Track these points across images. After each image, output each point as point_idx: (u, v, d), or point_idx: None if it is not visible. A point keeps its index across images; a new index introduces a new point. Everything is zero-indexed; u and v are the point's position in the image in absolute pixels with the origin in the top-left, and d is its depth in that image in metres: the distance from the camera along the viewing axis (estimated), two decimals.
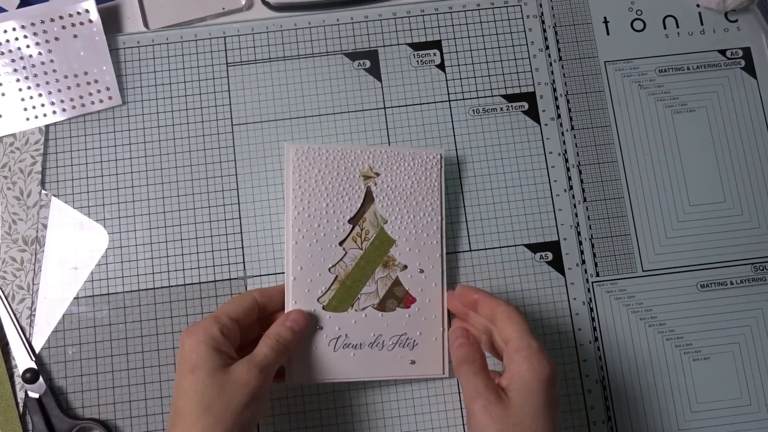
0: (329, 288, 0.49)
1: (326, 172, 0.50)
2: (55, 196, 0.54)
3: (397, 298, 0.50)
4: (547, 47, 0.58)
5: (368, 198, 0.50)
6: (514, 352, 0.43)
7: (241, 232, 0.54)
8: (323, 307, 0.49)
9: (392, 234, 0.50)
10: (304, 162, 0.50)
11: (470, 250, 0.54)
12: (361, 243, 0.50)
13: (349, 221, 0.50)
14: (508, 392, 0.42)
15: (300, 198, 0.49)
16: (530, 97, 0.57)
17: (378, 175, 0.50)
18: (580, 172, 0.56)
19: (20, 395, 0.51)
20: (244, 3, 0.59)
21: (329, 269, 0.49)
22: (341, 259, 0.49)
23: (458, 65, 0.57)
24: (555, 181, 0.56)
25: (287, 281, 0.48)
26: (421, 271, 0.50)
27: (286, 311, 0.48)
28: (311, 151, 0.50)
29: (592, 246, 0.55)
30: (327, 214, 0.49)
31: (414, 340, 0.50)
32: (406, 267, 0.50)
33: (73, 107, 0.55)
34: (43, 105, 0.55)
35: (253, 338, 0.47)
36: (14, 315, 0.52)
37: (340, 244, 0.49)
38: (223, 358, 0.43)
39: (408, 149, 0.52)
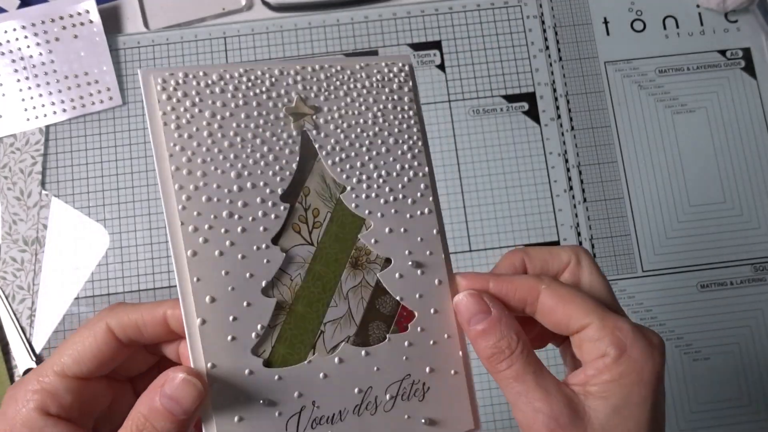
0: (269, 325, 0.28)
1: (226, 114, 0.29)
2: (55, 196, 0.54)
3: (383, 317, 0.30)
4: (547, 48, 0.58)
5: (308, 151, 0.30)
6: (591, 344, 0.28)
7: None
8: (265, 363, 0.28)
9: (358, 209, 0.30)
10: (183, 102, 0.28)
11: (470, 251, 0.54)
12: (310, 233, 0.30)
13: (283, 197, 0.29)
14: (587, 400, 0.27)
15: (187, 168, 0.28)
16: (530, 98, 0.57)
17: (317, 110, 0.31)
18: (580, 172, 0.56)
19: None
20: (244, 3, 0.59)
21: (262, 290, 0.28)
22: (281, 268, 0.29)
23: (458, 66, 0.57)
24: (555, 181, 0.56)
25: (188, 330, 0.27)
26: (415, 263, 0.31)
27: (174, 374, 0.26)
28: (192, 81, 0.29)
29: (592, 246, 0.55)
30: (243, 192, 0.28)
31: (424, 384, 0.30)
32: (389, 261, 0.31)
33: (74, 107, 0.55)
34: (43, 105, 0.55)
35: (147, 369, 0.30)
36: (14, 315, 0.52)
37: (275, 241, 0.29)
38: None
39: (355, 60, 0.32)
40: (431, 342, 0.30)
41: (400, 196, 0.31)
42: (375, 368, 0.29)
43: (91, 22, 0.56)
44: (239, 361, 0.27)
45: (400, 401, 0.30)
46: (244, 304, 0.27)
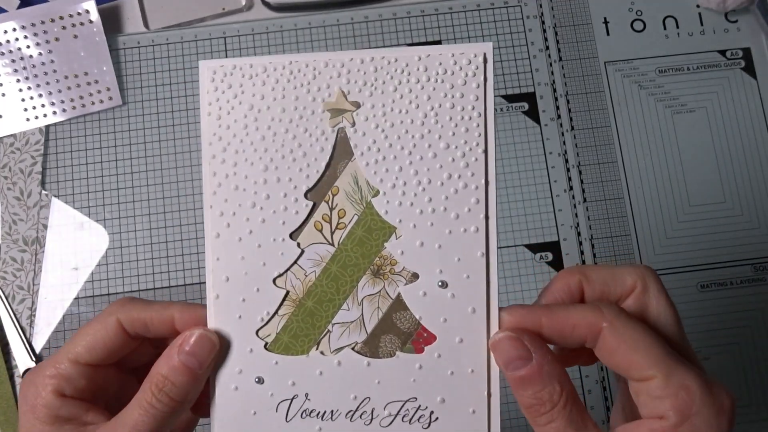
0: (275, 313, 0.29)
1: (263, 107, 0.29)
2: (55, 196, 0.54)
3: (399, 332, 0.29)
4: (547, 48, 0.58)
5: (341, 151, 0.29)
6: (651, 400, 0.25)
7: None
8: (266, 347, 0.29)
9: (389, 216, 0.29)
10: (227, 93, 0.29)
11: None
12: (332, 233, 0.29)
13: (307, 195, 0.29)
14: None
15: (222, 158, 0.30)
16: (530, 98, 0.57)
17: (358, 106, 0.29)
18: (580, 172, 0.56)
19: None
20: (244, 3, 0.59)
21: (274, 281, 0.29)
22: (295, 262, 0.29)
23: None
24: (555, 181, 0.56)
25: (208, 301, 0.29)
26: (444, 285, 0.28)
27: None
28: (239, 72, 0.29)
29: (592, 246, 0.55)
30: (267, 185, 0.29)
31: (431, 413, 0.28)
32: (416, 277, 0.29)
33: (74, 107, 0.55)
34: (43, 105, 0.55)
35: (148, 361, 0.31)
36: (14, 315, 0.52)
37: (292, 236, 0.29)
38: (67, 430, 0.28)
39: (415, 51, 0.29)
40: (449, 372, 0.28)
41: (442, 208, 0.28)
42: (376, 381, 0.28)
43: (91, 22, 0.56)
44: (242, 338, 0.29)
45: (401, 421, 0.28)
46: (255, 289, 0.29)
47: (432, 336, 0.28)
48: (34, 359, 0.51)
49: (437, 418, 0.28)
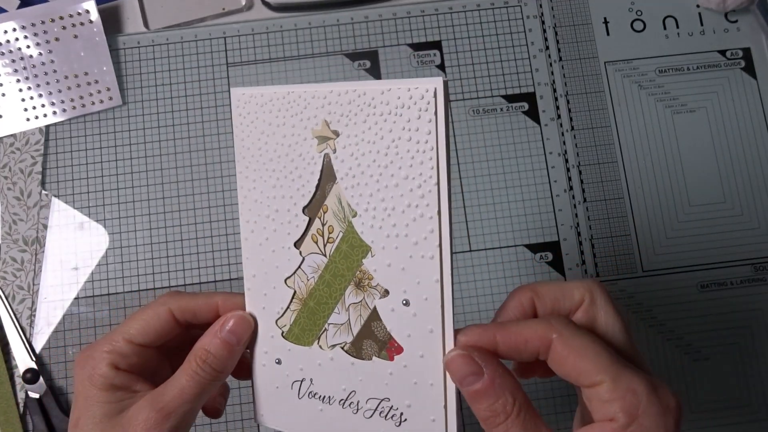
0: (288, 308, 0.33)
1: (270, 132, 0.32)
2: (55, 196, 0.54)
3: (376, 339, 0.31)
4: (547, 48, 0.58)
5: (327, 174, 0.31)
6: (601, 404, 0.27)
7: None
8: (282, 335, 0.34)
9: (364, 235, 0.31)
10: (247, 118, 0.33)
11: (470, 251, 0.54)
12: (324, 246, 0.32)
13: (305, 211, 0.32)
14: None
15: (245, 174, 0.33)
16: (530, 98, 0.57)
17: (337, 134, 0.31)
18: (580, 172, 0.56)
19: (20, 395, 0.51)
20: (244, 3, 0.59)
21: (285, 281, 0.33)
22: (299, 267, 0.33)
23: (458, 66, 0.57)
24: (555, 181, 0.56)
25: (245, 291, 0.35)
26: (406, 303, 0.30)
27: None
28: (253, 100, 0.33)
29: (592, 246, 0.55)
30: (276, 200, 0.33)
31: (401, 414, 0.31)
32: (387, 293, 0.31)
33: (74, 107, 0.55)
34: (43, 105, 0.55)
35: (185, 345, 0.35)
36: (15, 315, 0.52)
37: (296, 245, 0.33)
38: (119, 396, 0.32)
39: (380, 84, 0.30)
40: (414, 382, 0.30)
41: (404, 233, 0.30)
42: (359, 378, 0.32)
43: (91, 22, 0.56)
44: (266, 325, 0.34)
45: (379, 416, 0.31)
46: (272, 286, 0.34)
47: (400, 348, 0.31)
48: (34, 359, 0.51)
49: (406, 419, 0.31)
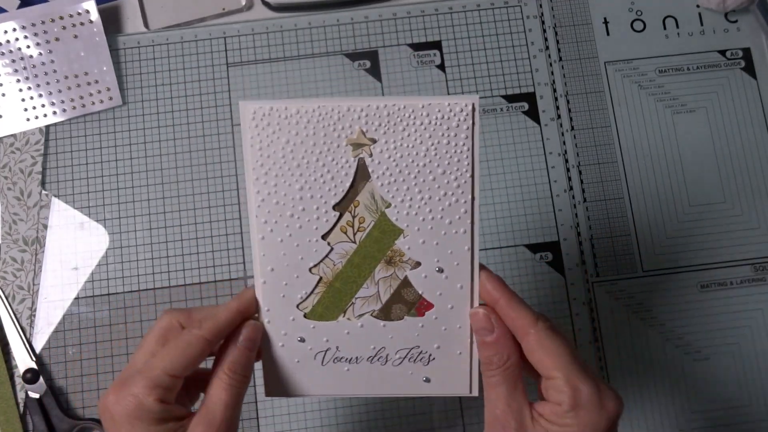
0: (312, 292, 0.39)
1: (298, 142, 0.37)
2: (55, 196, 0.54)
3: (406, 302, 0.39)
4: (547, 48, 0.58)
5: (361, 174, 0.38)
6: (554, 393, 0.34)
7: (241, 232, 0.54)
8: (305, 315, 0.39)
9: (398, 221, 0.38)
10: (267, 129, 0.37)
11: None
12: (354, 235, 0.38)
13: (335, 207, 0.38)
14: (535, 428, 0.34)
15: (264, 180, 0.37)
16: (530, 98, 0.57)
17: (374, 141, 0.37)
18: (580, 172, 0.56)
19: (21, 395, 0.51)
20: (244, 3, 0.59)
21: (310, 270, 0.39)
22: (326, 255, 0.38)
23: (458, 66, 0.57)
24: (555, 181, 0.56)
25: (256, 284, 0.39)
26: (440, 270, 0.38)
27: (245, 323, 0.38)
28: (276, 113, 0.37)
29: (592, 246, 0.55)
30: (303, 200, 0.38)
31: (430, 355, 0.39)
32: (419, 264, 0.38)
33: (74, 107, 0.55)
34: (43, 105, 0.55)
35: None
36: (15, 315, 0.52)
37: (323, 237, 0.38)
38: (171, 427, 0.35)
39: (419, 99, 0.37)
40: (443, 328, 0.39)
41: (439, 216, 0.38)
42: (390, 337, 0.39)
43: (91, 22, 0.56)
44: (286, 311, 0.38)
45: (407, 362, 0.39)
46: (295, 276, 0.38)
47: (430, 305, 0.39)
48: (34, 359, 0.51)
49: (434, 358, 0.39)
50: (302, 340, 0.39)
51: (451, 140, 0.37)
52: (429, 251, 0.38)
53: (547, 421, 0.34)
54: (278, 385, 0.40)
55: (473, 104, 0.37)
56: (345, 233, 0.38)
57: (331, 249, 0.38)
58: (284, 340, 0.39)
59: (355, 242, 0.38)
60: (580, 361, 0.34)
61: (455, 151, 0.37)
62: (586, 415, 0.33)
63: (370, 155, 0.37)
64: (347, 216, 0.38)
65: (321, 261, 0.38)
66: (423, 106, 0.37)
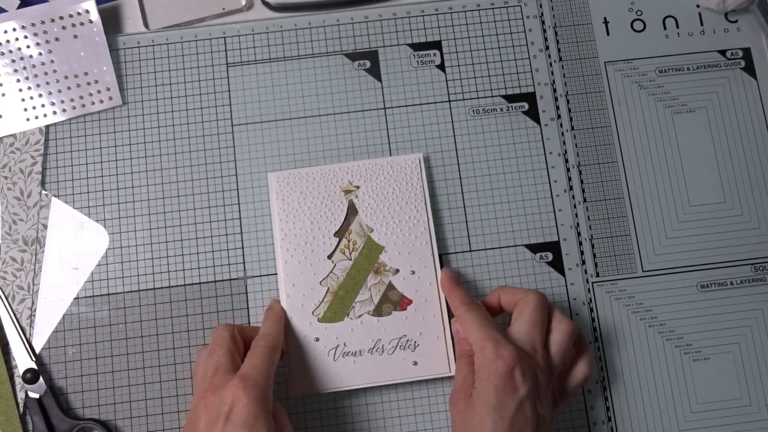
0: (322, 300, 0.51)
1: (308, 192, 0.53)
2: (55, 196, 0.54)
3: (392, 302, 0.51)
4: (547, 47, 0.58)
5: (351, 210, 0.52)
6: (477, 350, 0.46)
7: (241, 233, 0.54)
8: (319, 320, 0.51)
9: (380, 241, 0.52)
10: (286, 187, 0.53)
11: (470, 251, 0.54)
12: (350, 254, 0.52)
13: (335, 234, 0.52)
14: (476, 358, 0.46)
15: (285, 221, 0.52)
16: (530, 98, 0.57)
17: (358, 188, 0.53)
18: (580, 172, 0.56)
19: (20, 395, 0.51)
20: (244, 3, 0.59)
21: (320, 282, 0.51)
22: (331, 271, 0.51)
23: (458, 65, 0.57)
24: (555, 181, 0.56)
25: (282, 297, 0.51)
26: (413, 272, 0.51)
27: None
28: (292, 176, 0.53)
29: (592, 246, 0.55)
30: (313, 231, 0.52)
31: (415, 341, 0.50)
32: (398, 270, 0.52)
33: (74, 107, 0.55)
34: (43, 105, 0.55)
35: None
36: (14, 315, 0.52)
37: (329, 257, 0.51)
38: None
39: (385, 159, 0.54)
40: (422, 318, 0.51)
41: (407, 234, 0.52)
42: (383, 329, 0.51)
43: (91, 22, 0.56)
44: (304, 316, 0.51)
45: (399, 350, 0.50)
46: (310, 288, 0.51)
47: (410, 300, 0.51)
48: (34, 359, 0.51)
49: (419, 345, 0.51)
50: (317, 339, 0.50)
51: (408, 182, 0.53)
52: (404, 260, 0.52)
53: (477, 364, 0.46)
54: (301, 383, 0.50)
55: (419, 159, 0.54)
56: (344, 253, 0.52)
57: (335, 265, 0.52)
58: (303, 341, 0.50)
59: (351, 259, 0.52)
60: (487, 330, 0.46)
61: (413, 189, 0.53)
62: (487, 361, 0.44)
63: (357, 197, 0.53)
64: (344, 240, 0.52)
65: (327, 275, 0.51)
66: (387, 163, 0.54)
